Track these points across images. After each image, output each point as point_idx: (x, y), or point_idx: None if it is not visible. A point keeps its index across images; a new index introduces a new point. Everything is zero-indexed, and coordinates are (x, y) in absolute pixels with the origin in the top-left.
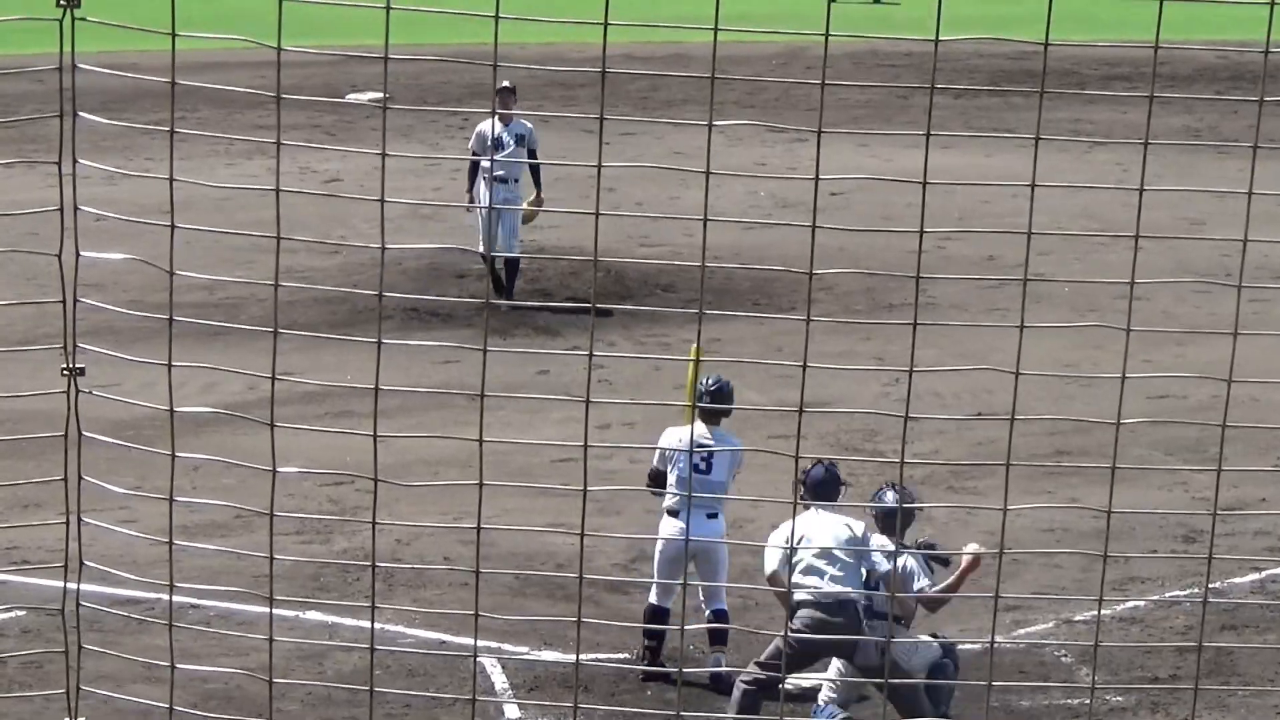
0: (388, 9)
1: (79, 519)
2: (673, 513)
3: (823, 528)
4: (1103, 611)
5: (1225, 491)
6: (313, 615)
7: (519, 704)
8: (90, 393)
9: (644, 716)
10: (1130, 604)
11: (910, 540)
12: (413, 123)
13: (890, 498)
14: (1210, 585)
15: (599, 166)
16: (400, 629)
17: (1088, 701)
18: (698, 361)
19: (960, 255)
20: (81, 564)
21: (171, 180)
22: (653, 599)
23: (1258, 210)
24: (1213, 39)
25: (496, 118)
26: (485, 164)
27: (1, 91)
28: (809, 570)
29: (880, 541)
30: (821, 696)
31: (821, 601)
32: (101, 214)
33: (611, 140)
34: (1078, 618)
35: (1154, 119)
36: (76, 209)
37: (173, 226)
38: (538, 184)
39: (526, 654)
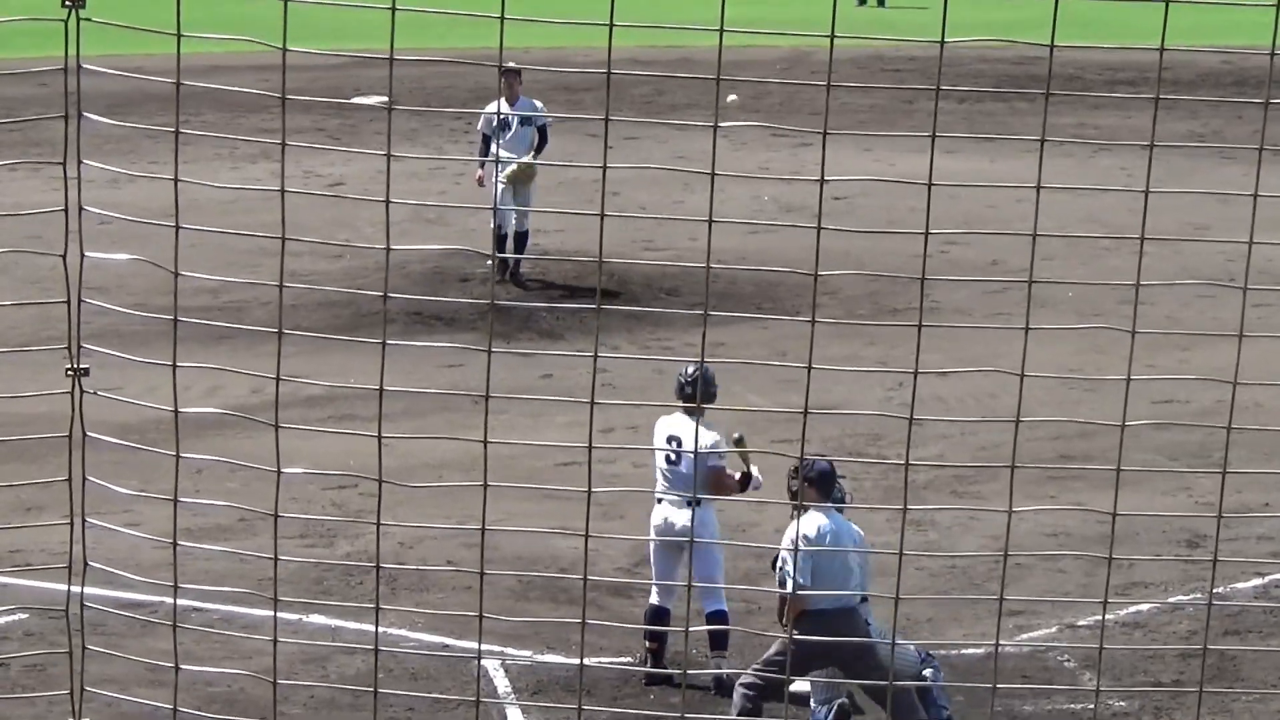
0: (393, 10)
1: (83, 521)
2: (659, 500)
3: (842, 531)
4: (1106, 616)
5: (1229, 496)
6: (316, 618)
7: (521, 707)
8: (95, 393)
9: (647, 718)
10: (1133, 609)
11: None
12: (417, 126)
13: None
14: (1213, 590)
15: (604, 168)
16: (403, 632)
17: (1091, 706)
18: (744, 451)
19: (964, 260)
20: (86, 566)
21: (177, 181)
22: (653, 599)
23: (1262, 215)
24: (1217, 44)
25: (504, 99)
26: (493, 146)
27: (5, 95)
28: (830, 575)
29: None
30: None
31: (840, 608)
32: (106, 215)
33: (615, 144)
34: (1081, 622)
35: (1158, 124)
36: (81, 210)
37: (178, 228)
38: (538, 151)
39: (529, 657)
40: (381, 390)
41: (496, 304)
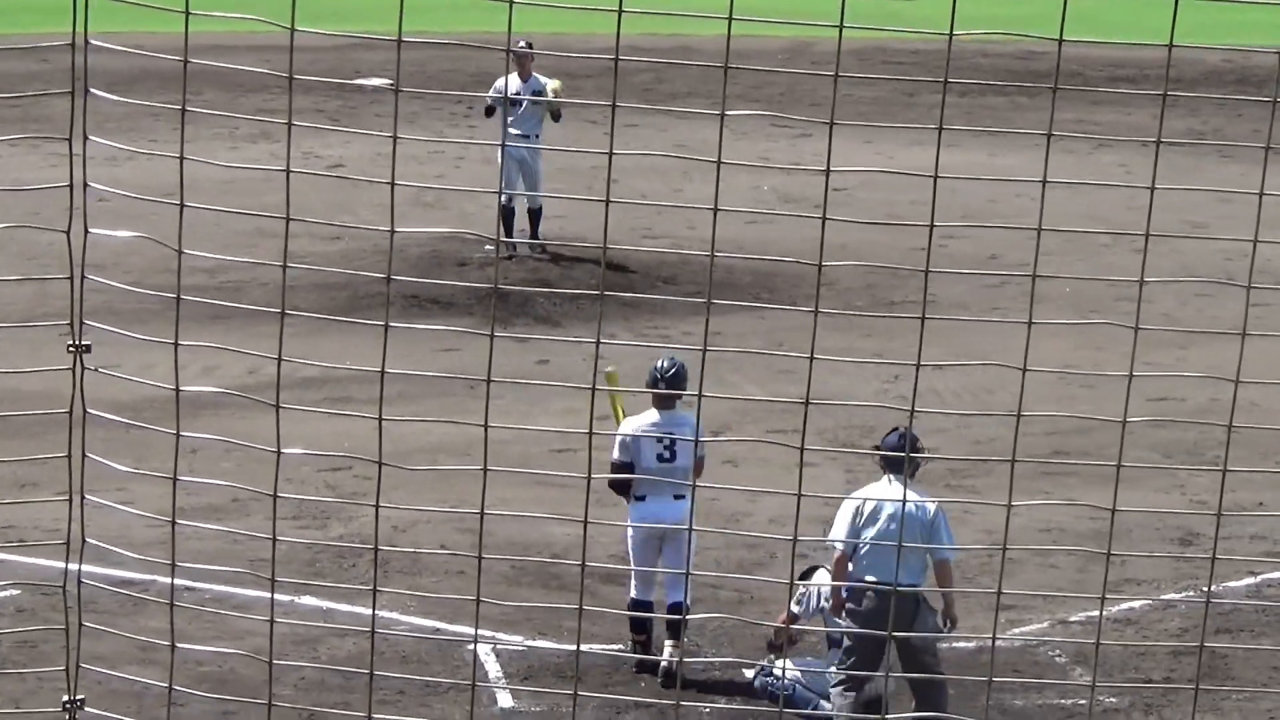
0: None
1: (82, 498)
2: (640, 498)
3: (893, 505)
4: (1099, 612)
5: (1223, 494)
6: (308, 600)
7: (512, 692)
8: (96, 370)
9: (638, 705)
10: (1125, 605)
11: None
12: (418, 109)
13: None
14: (1210, 588)
15: (609, 154)
16: (395, 615)
17: (1082, 701)
18: (616, 392)
19: (963, 254)
20: (84, 543)
21: (181, 159)
22: (633, 593)
23: (1263, 214)
24: (1220, 42)
25: (516, 75)
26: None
27: (7, 70)
28: (874, 552)
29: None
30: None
31: (880, 591)
32: (107, 191)
33: (616, 131)
34: (1073, 618)
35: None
36: (86, 187)
37: (181, 206)
38: (555, 118)
39: (520, 642)
40: (383, 371)
41: (499, 288)
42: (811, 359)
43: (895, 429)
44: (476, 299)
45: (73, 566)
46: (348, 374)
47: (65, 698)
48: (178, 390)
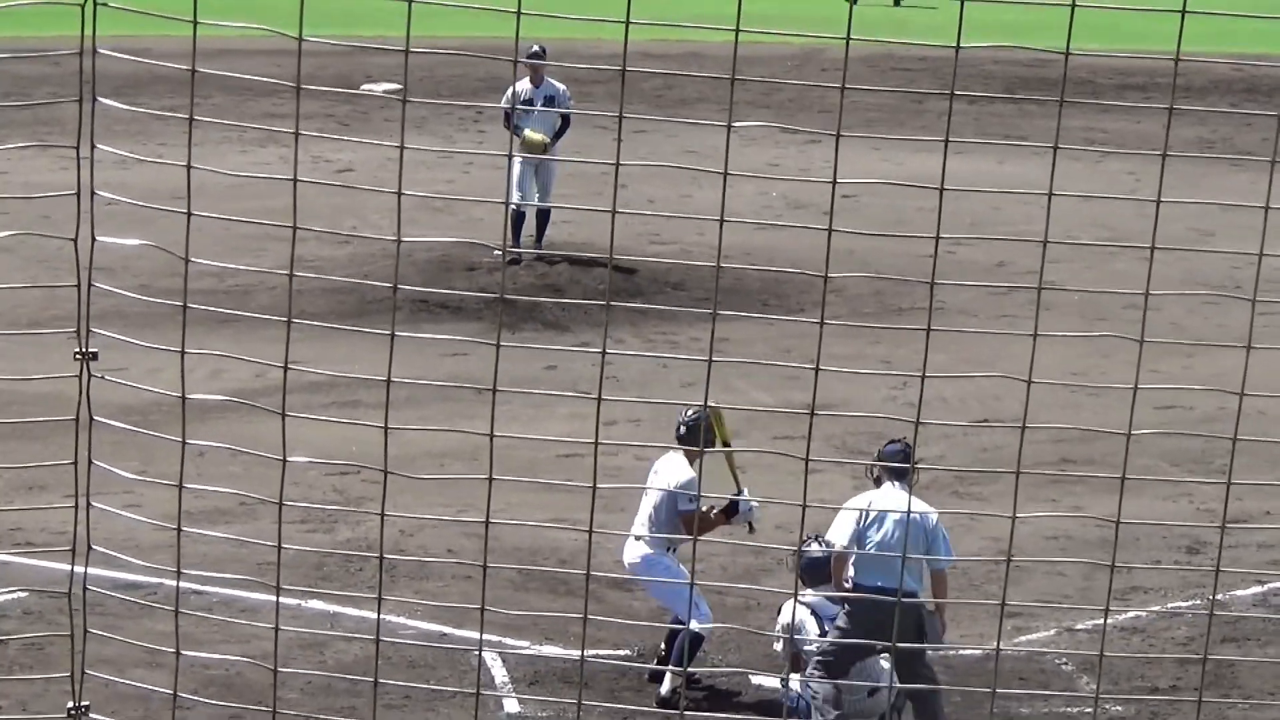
0: (409, 1)
1: (88, 502)
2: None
3: (893, 512)
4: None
5: (1230, 503)
6: (314, 605)
7: (518, 698)
8: (103, 377)
9: (647, 714)
10: (1132, 614)
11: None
12: (426, 115)
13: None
14: (1215, 597)
15: (617, 165)
16: (402, 620)
17: (1088, 710)
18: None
19: (970, 261)
20: (90, 547)
21: (189, 166)
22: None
23: (1270, 223)
24: (1229, 52)
25: (528, 80)
26: (517, 124)
27: (17, 74)
28: (874, 559)
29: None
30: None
31: (882, 598)
32: (115, 199)
33: (624, 137)
34: (1079, 626)
35: (1167, 130)
36: (94, 193)
37: (189, 213)
38: (557, 136)
39: (527, 648)
40: (389, 378)
41: (505, 297)
42: (817, 369)
43: (892, 440)
44: (485, 303)
45: (79, 570)
46: (355, 378)
47: (70, 704)
48: (184, 397)
